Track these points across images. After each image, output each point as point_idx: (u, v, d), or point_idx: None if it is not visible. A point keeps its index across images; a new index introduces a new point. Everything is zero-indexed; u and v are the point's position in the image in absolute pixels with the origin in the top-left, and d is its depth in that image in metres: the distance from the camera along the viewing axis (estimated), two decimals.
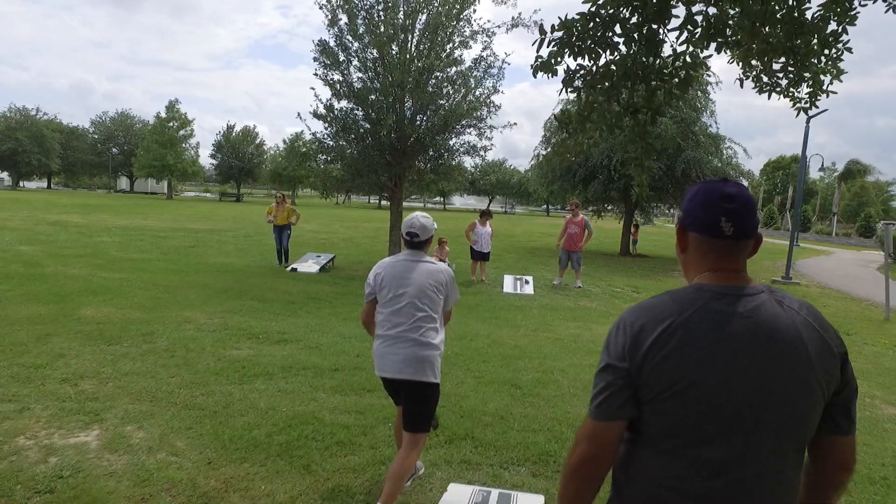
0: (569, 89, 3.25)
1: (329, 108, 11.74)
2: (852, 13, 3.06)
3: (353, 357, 5.55)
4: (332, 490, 3.12)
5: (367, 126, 11.81)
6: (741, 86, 3.51)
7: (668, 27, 3.13)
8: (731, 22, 3.28)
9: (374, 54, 11.55)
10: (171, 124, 54.09)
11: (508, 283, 10.94)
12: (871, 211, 46.83)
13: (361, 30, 11.53)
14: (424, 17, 11.68)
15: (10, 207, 25.52)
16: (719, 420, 1.16)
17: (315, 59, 11.86)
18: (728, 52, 3.28)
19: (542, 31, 3.13)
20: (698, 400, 1.15)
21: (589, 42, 3.04)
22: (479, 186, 70.54)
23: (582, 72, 3.20)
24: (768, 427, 1.16)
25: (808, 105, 3.72)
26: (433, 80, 11.74)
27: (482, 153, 12.72)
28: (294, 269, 11.39)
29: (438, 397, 3.06)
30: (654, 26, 3.05)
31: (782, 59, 3.35)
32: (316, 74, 11.87)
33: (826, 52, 3.32)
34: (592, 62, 3.17)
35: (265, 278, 10.35)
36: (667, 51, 3.31)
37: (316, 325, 6.87)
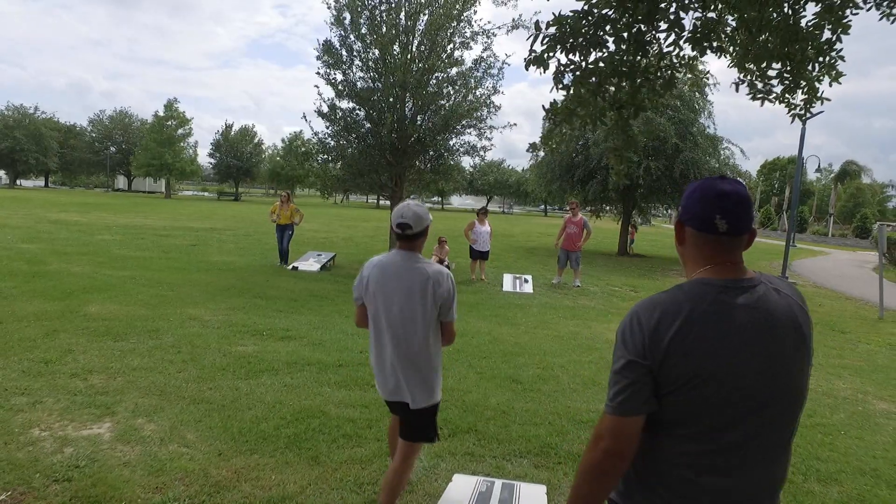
0: (559, 86, 3.36)
1: (332, 107, 11.83)
2: (845, 21, 3.16)
3: (357, 353, 5.64)
4: (341, 480, 3.21)
5: (369, 126, 11.91)
6: (736, 90, 3.62)
7: (660, 28, 3.24)
8: (727, 27, 3.39)
9: (377, 54, 11.65)
10: (170, 123, 54.06)
11: (508, 281, 11.04)
12: (868, 212, 47.06)
13: (364, 29, 11.63)
14: (426, 17, 11.78)
15: (9, 206, 25.55)
16: (734, 407, 1.24)
17: (318, 59, 11.95)
18: (717, 55, 3.39)
19: (537, 27, 3.24)
20: (716, 391, 1.23)
21: (580, 39, 3.15)
22: (478, 186, 70.63)
23: (572, 67, 3.31)
24: (776, 407, 1.28)
25: (803, 111, 3.82)
26: (434, 81, 11.85)
27: (482, 153, 12.85)
28: (295, 268, 11.48)
29: (437, 412, 2.77)
30: (643, 27, 3.16)
31: (778, 66, 3.46)
32: (318, 73, 11.96)
33: (821, 59, 3.42)
34: (582, 58, 3.28)
35: (267, 276, 10.43)
36: (654, 50, 3.43)
37: (319, 322, 6.96)
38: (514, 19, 11.74)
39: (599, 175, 18.30)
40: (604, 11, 3.28)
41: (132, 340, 5.66)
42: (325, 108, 11.81)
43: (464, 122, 12.15)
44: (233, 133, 64.69)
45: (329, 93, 12.13)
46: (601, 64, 3.40)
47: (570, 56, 3.40)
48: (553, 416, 4.35)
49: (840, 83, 3.67)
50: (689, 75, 4.33)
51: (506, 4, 11.64)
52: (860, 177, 51.91)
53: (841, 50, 3.34)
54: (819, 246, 36.17)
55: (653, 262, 18.46)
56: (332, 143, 12.44)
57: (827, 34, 3.27)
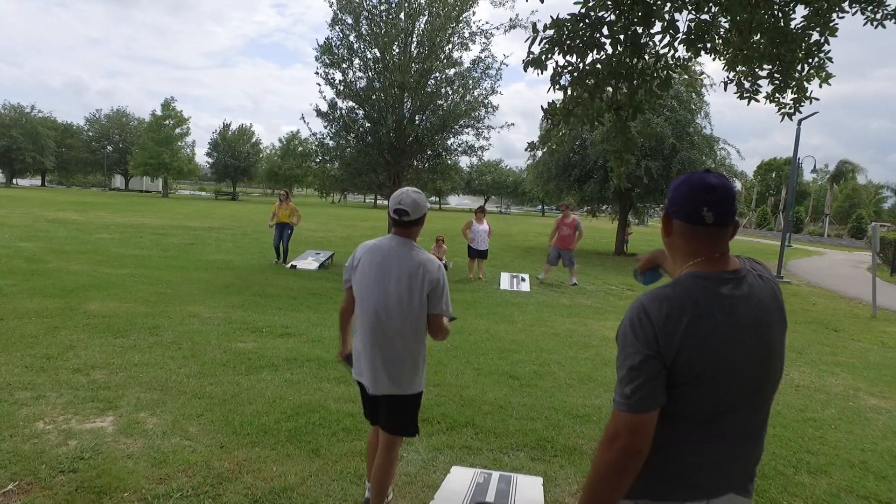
0: (556, 87, 3.43)
1: (332, 106, 11.90)
2: (833, 25, 3.24)
3: None
4: (341, 472, 3.27)
5: (368, 125, 11.97)
6: (725, 89, 3.69)
7: (654, 31, 3.31)
8: (720, 29, 3.46)
9: (376, 54, 11.72)
10: (167, 122, 54.02)
11: (505, 280, 11.11)
12: (863, 213, 47.31)
13: (364, 30, 11.70)
14: (425, 18, 11.85)
15: (6, 205, 25.51)
16: (734, 396, 1.31)
17: (317, 59, 12.01)
18: (711, 56, 3.47)
19: (535, 30, 3.31)
20: (721, 382, 1.28)
21: (577, 41, 3.22)
22: (475, 186, 70.74)
23: (569, 68, 3.38)
24: (769, 386, 1.36)
25: (792, 110, 3.91)
26: (432, 81, 11.92)
27: (480, 153, 12.92)
28: (294, 266, 11.53)
29: (420, 403, 2.73)
30: (639, 30, 3.23)
31: (768, 66, 3.53)
32: (317, 73, 12.01)
33: (810, 60, 3.50)
34: (580, 60, 3.35)
35: (265, 275, 10.48)
36: (650, 53, 3.50)
37: (318, 319, 7.02)
38: (511, 19, 11.83)
39: (596, 175, 18.39)
40: (600, 14, 3.36)
41: (133, 337, 5.71)
42: (324, 108, 11.88)
43: (462, 122, 12.22)
44: (230, 132, 64.66)
45: (328, 92, 12.23)
46: (598, 66, 3.48)
47: (568, 58, 3.47)
48: (550, 410, 4.42)
49: (830, 84, 3.75)
50: (685, 76, 4.41)
51: (503, 5, 11.73)
52: (856, 177, 52.15)
53: (829, 52, 3.42)
54: (815, 246, 36.36)
55: None
56: (331, 142, 12.51)
57: (815, 36, 3.34)
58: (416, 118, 12.19)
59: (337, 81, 11.90)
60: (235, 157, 62.89)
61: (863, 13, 3.28)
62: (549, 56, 3.45)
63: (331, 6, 11.86)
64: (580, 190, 19.22)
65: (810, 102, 3.69)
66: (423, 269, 2.51)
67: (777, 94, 3.70)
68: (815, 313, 10.35)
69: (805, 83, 3.59)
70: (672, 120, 17.42)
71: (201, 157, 66.11)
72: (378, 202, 61.34)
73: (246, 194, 74.21)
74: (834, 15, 3.25)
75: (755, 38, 3.32)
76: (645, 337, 1.27)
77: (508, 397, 4.65)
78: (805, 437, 4.19)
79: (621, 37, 3.38)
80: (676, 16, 3.37)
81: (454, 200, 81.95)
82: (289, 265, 11.65)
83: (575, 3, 3.44)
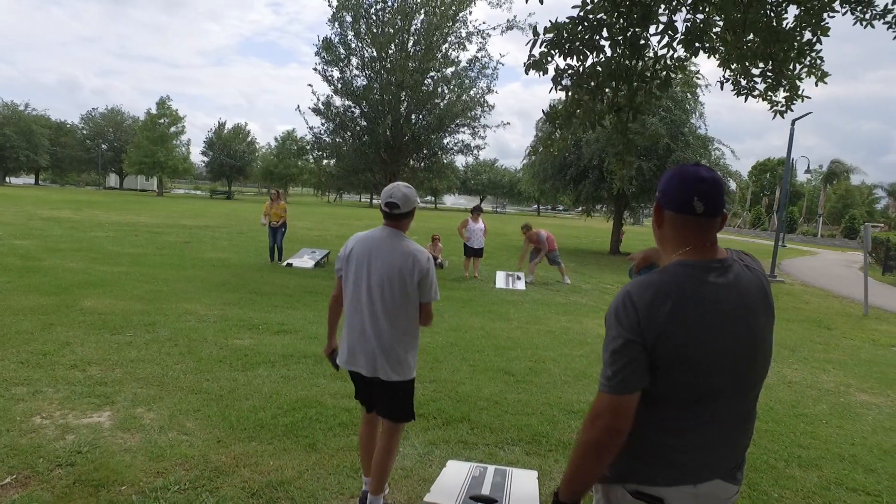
0: (558, 87, 3.46)
1: (328, 104, 11.93)
2: (824, 25, 3.29)
3: None
4: (338, 466, 3.29)
5: (365, 123, 12.00)
6: (721, 88, 3.74)
7: (651, 32, 3.35)
8: (715, 28, 3.50)
9: (374, 53, 11.76)
10: (162, 121, 53.83)
11: (501, 279, 11.15)
12: (856, 213, 47.63)
13: (363, 29, 11.74)
14: (422, 17, 11.89)
15: None
16: (717, 380, 1.34)
17: (317, 55, 12.02)
18: (708, 55, 3.51)
19: (535, 33, 3.34)
20: (704, 367, 1.32)
21: (577, 44, 3.25)
22: (471, 186, 70.81)
23: (570, 71, 3.41)
24: (755, 374, 1.40)
25: (784, 108, 3.95)
26: (429, 80, 11.96)
27: (475, 152, 12.98)
28: (289, 265, 11.54)
29: (413, 389, 2.78)
30: (638, 31, 3.26)
31: (761, 65, 3.58)
32: (316, 70, 12.03)
33: (802, 59, 3.55)
34: (580, 62, 3.38)
35: (261, 273, 10.48)
36: (649, 55, 3.53)
37: (314, 317, 7.03)
38: (508, 20, 11.91)
39: (591, 174, 18.46)
40: (599, 16, 3.38)
41: (129, 334, 5.71)
42: (320, 106, 11.90)
43: (458, 121, 12.27)
44: (226, 131, 64.50)
45: (324, 90, 12.29)
46: (598, 68, 3.50)
47: (568, 60, 3.50)
48: (545, 406, 4.46)
49: (826, 83, 3.79)
50: (683, 76, 4.44)
51: (500, 6, 11.80)
52: (849, 177, 52.50)
53: (821, 51, 3.47)
54: (808, 246, 36.58)
55: None
56: (328, 139, 12.53)
57: (807, 36, 3.39)
58: (413, 117, 12.23)
59: (335, 79, 11.93)
60: (231, 155, 62.74)
61: (852, 13, 3.33)
62: (550, 59, 3.48)
63: (329, 5, 11.89)
64: (575, 189, 19.29)
65: (802, 101, 3.74)
66: (413, 258, 2.59)
67: (769, 93, 3.74)
68: (808, 312, 10.44)
69: (797, 82, 3.64)
70: (667, 120, 17.50)
71: (196, 156, 65.98)
72: (373, 201, 61.30)
73: (241, 193, 74.00)
74: (825, 15, 3.30)
75: (748, 38, 3.36)
76: (628, 322, 1.31)
77: (504, 393, 4.68)
78: (797, 432, 4.24)
79: (620, 38, 3.42)
80: (674, 16, 3.41)
81: (449, 200, 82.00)
82: (284, 263, 11.65)
83: (573, 7, 3.48)
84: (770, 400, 4.91)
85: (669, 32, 3.26)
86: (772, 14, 3.30)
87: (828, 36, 3.35)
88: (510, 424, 4.05)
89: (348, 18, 11.75)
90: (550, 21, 3.31)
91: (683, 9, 3.31)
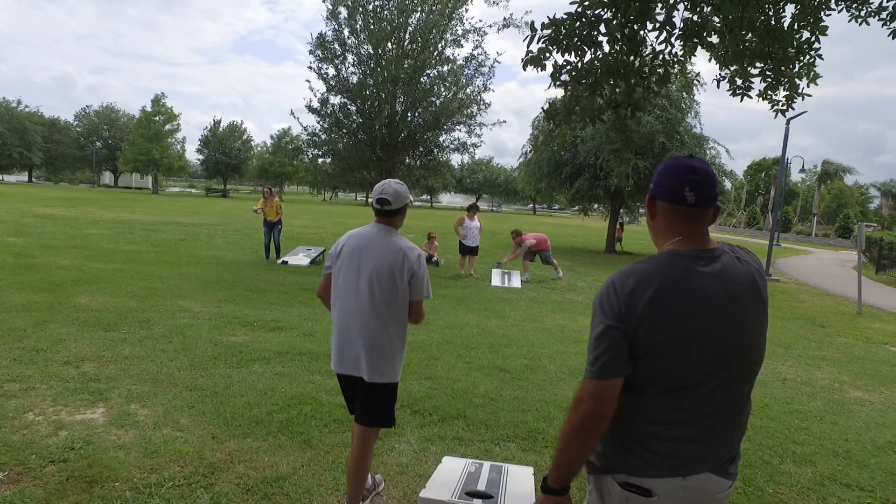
0: (556, 83, 3.45)
1: (323, 102, 11.88)
2: (822, 25, 3.29)
3: None
4: (333, 462, 3.28)
5: (361, 121, 11.97)
6: (717, 86, 3.73)
7: (649, 28, 3.34)
8: (713, 25, 3.50)
9: (370, 50, 11.73)
10: (157, 119, 53.61)
11: (496, 276, 11.15)
12: (850, 212, 47.90)
13: (360, 25, 11.71)
14: (418, 15, 11.87)
15: None
16: (701, 368, 1.35)
17: (311, 52, 11.99)
18: (707, 52, 3.51)
19: (533, 29, 3.33)
20: (685, 353, 1.33)
21: (575, 40, 3.24)
22: (467, 185, 70.81)
23: (568, 67, 3.41)
24: (741, 366, 1.39)
25: (784, 107, 3.95)
26: (425, 78, 11.94)
27: (471, 150, 12.97)
28: (285, 262, 11.51)
29: (395, 396, 2.70)
30: (636, 27, 3.26)
31: (760, 64, 3.58)
32: (310, 68, 12.00)
33: (801, 58, 3.55)
34: (578, 58, 3.37)
35: (257, 270, 10.45)
36: (647, 50, 3.53)
37: (309, 314, 7.01)
38: (504, 18, 11.91)
39: (587, 172, 18.48)
40: (597, 12, 3.38)
41: (123, 330, 5.68)
42: (315, 104, 11.86)
43: (454, 119, 12.25)
44: (221, 129, 64.28)
45: (320, 87, 12.25)
46: (596, 63, 3.50)
47: (566, 56, 3.49)
48: (540, 403, 4.46)
49: (817, 84, 3.80)
50: (681, 77, 4.42)
51: (497, 4, 11.79)
52: (843, 177, 52.77)
53: (819, 49, 3.48)
54: (803, 245, 36.76)
55: (641, 259, 18.68)
56: (324, 137, 12.49)
57: (806, 34, 3.39)
58: (409, 115, 12.20)
59: (330, 76, 11.89)
60: (226, 154, 62.54)
61: (848, 10, 3.33)
62: (548, 55, 3.47)
63: (324, 1, 11.85)
64: (571, 187, 19.31)
65: (802, 99, 3.74)
66: (403, 255, 2.54)
67: (769, 92, 3.74)
68: (803, 310, 10.48)
69: (797, 80, 3.64)
70: (662, 119, 17.54)
71: (192, 154, 65.73)
72: (369, 199, 61.31)
73: (237, 191, 73.73)
74: (822, 14, 3.30)
75: (747, 37, 3.36)
76: (610, 309, 1.34)
77: (499, 390, 4.68)
78: (791, 429, 4.25)
79: (618, 34, 3.41)
80: (671, 13, 3.40)
81: (445, 199, 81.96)
82: (280, 261, 11.62)
83: (571, 3, 3.47)
84: (765, 396, 4.93)
85: (667, 28, 3.26)
86: (770, 13, 3.30)
87: (826, 35, 3.35)
88: (506, 421, 4.05)
89: (344, 13, 11.72)
90: (548, 17, 3.31)
91: (681, 5, 3.31)
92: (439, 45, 11.42)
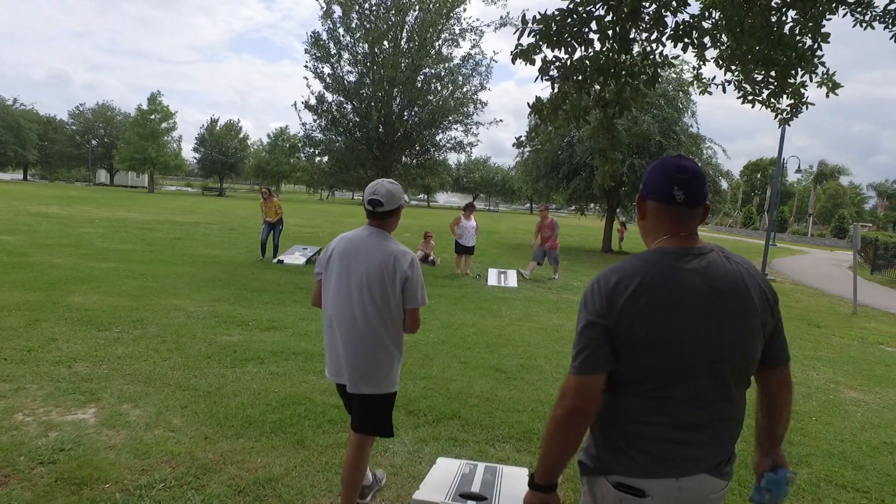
0: (544, 77, 3.43)
1: (320, 100, 11.85)
2: (824, 31, 3.27)
3: None
4: (326, 463, 3.26)
5: (357, 119, 11.94)
6: (724, 90, 3.71)
7: (640, 28, 3.32)
8: (714, 24, 3.48)
9: (366, 49, 11.70)
10: (153, 117, 53.38)
11: (492, 276, 11.14)
12: (845, 213, 48.07)
13: (355, 24, 11.67)
14: (415, 13, 11.83)
15: None
16: (685, 364, 1.34)
17: (306, 52, 11.95)
18: (696, 52, 3.49)
19: (524, 22, 3.31)
20: (667, 349, 1.33)
21: (566, 36, 3.22)
22: (464, 184, 70.79)
23: (557, 63, 3.38)
24: (724, 366, 1.36)
25: (789, 116, 3.90)
26: (421, 77, 11.91)
27: (468, 149, 12.94)
28: (281, 261, 11.47)
29: (392, 404, 2.63)
30: (627, 25, 3.24)
31: (763, 71, 3.55)
32: (306, 66, 11.95)
33: (804, 65, 3.51)
34: (568, 55, 3.35)
35: (252, 269, 10.41)
36: (637, 50, 3.51)
37: (304, 313, 6.98)
38: (501, 17, 11.86)
39: (584, 172, 18.49)
40: (588, 9, 3.36)
41: (116, 330, 5.64)
42: (312, 101, 11.83)
43: (450, 118, 12.23)
44: (218, 128, 64.08)
45: (317, 86, 12.20)
46: (586, 61, 3.48)
47: (556, 52, 3.47)
48: (536, 403, 4.44)
49: (837, 94, 3.69)
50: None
51: (495, 3, 11.76)
52: (838, 177, 52.95)
53: (822, 57, 3.45)
54: (798, 245, 36.87)
55: None
56: (320, 136, 12.46)
57: (808, 41, 3.37)
58: (405, 113, 12.17)
59: (326, 75, 11.85)
60: (223, 152, 62.34)
61: (852, 14, 3.31)
62: (538, 50, 3.45)
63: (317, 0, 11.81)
64: (567, 187, 19.32)
65: (806, 108, 3.69)
66: (395, 260, 2.42)
67: (772, 100, 3.71)
68: (799, 310, 10.50)
69: (801, 89, 3.60)
70: (659, 118, 17.55)
71: (188, 153, 65.50)
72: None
73: (233, 190, 73.51)
74: (823, 20, 3.28)
75: (748, 41, 3.33)
76: (593, 305, 1.36)
77: (495, 390, 4.66)
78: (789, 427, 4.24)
79: (609, 32, 3.39)
80: (663, 12, 3.38)
81: (442, 198, 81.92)
82: (276, 260, 11.58)
83: (563, 0, 3.45)
84: None
85: (659, 28, 3.24)
86: (772, 19, 3.28)
87: (828, 42, 3.32)
88: (501, 421, 4.03)
89: (339, 12, 11.68)
90: (539, 13, 3.28)
91: (674, 2, 3.28)
92: (436, 44, 11.36)
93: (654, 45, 3.54)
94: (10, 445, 3.14)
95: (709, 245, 1.43)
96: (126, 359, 4.78)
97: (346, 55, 12.04)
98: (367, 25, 11.52)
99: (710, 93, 4.36)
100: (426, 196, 73.59)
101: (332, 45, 11.92)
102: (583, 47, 3.44)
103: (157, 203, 32.03)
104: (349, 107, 12.10)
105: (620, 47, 3.44)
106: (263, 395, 4.18)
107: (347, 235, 2.59)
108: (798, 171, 33.29)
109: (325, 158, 13.09)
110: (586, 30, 3.39)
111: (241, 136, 65.18)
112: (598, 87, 3.64)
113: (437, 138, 12.71)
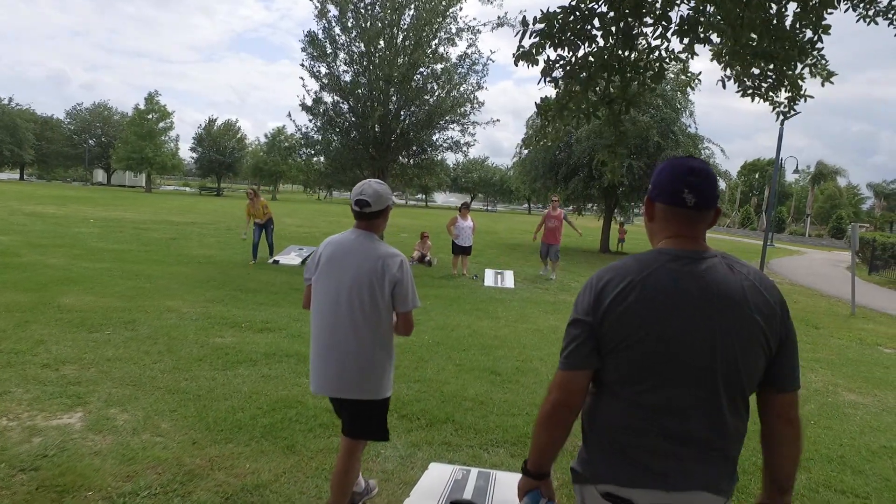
0: (548, 79, 3.37)
1: (317, 100, 11.77)
2: (825, 23, 3.22)
3: None
4: (316, 469, 3.19)
5: (353, 119, 11.87)
6: (724, 86, 3.66)
7: (644, 22, 3.26)
8: (710, 20, 3.42)
9: (362, 48, 11.62)
10: (150, 116, 53.23)
11: (489, 276, 11.08)
12: (843, 213, 48.13)
13: (351, 23, 11.60)
14: (411, 12, 11.77)
15: None
16: (670, 368, 1.28)
17: (303, 50, 11.88)
18: (704, 45, 3.43)
19: (525, 23, 3.25)
20: (652, 349, 1.28)
21: (569, 34, 3.16)
22: (462, 184, 70.74)
23: (561, 62, 3.32)
24: (715, 376, 1.29)
25: (787, 109, 3.86)
26: (418, 76, 11.85)
27: (465, 149, 12.87)
28: (276, 262, 11.39)
29: (387, 409, 2.56)
30: (631, 21, 3.18)
31: (762, 64, 3.50)
32: (303, 65, 11.88)
33: (803, 58, 3.47)
34: (572, 53, 3.29)
35: (247, 270, 10.34)
36: (642, 45, 3.45)
37: (299, 314, 6.91)
38: (499, 17, 11.78)
39: (582, 172, 18.45)
40: (591, 5, 3.30)
41: (107, 332, 5.57)
42: (308, 102, 11.75)
43: (447, 118, 12.16)
44: (215, 128, 63.90)
45: (313, 86, 12.11)
46: (590, 58, 3.42)
47: (559, 51, 3.41)
48: (531, 406, 4.38)
49: (832, 83, 3.69)
50: (682, 76, 4.34)
51: (492, 3, 11.68)
52: (836, 178, 53.00)
53: (822, 49, 3.40)
54: (796, 245, 36.89)
55: None
56: (316, 136, 12.39)
57: (808, 34, 3.32)
58: (402, 113, 12.11)
59: (322, 75, 11.78)
60: (220, 152, 62.15)
61: (855, 10, 3.26)
62: (541, 50, 3.39)
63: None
64: (566, 187, 19.27)
65: (805, 101, 3.65)
66: (383, 264, 2.36)
67: (770, 93, 3.66)
68: (797, 311, 10.44)
69: (799, 81, 3.56)
70: (657, 118, 17.51)
71: (186, 153, 65.33)
72: None
73: (231, 190, 73.35)
74: (824, 13, 3.23)
75: (748, 35, 3.28)
76: (582, 303, 1.37)
77: (490, 393, 4.60)
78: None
79: (613, 28, 3.33)
80: (668, 8, 3.32)
81: (440, 198, 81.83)
82: (271, 260, 11.51)
83: None
84: None
85: (663, 23, 3.18)
86: (772, 11, 3.22)
87: (829, 34, 3.27)
88: (495, 425, 3.97)
89: (335, 11, 11.60)
90: (541, 10, 3.22)
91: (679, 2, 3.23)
92: (433, 43, 11.31)
93: (659, 41, 3.48)
94: None
95: (713, 251, 1.37)
96: (116, 361, 4.71)
97: (342, 54, 11.96)
98: (363, 24, 11.44)
99: (692, 88, 4.34)
100: (424, 196, 73.51)
101: (328, 43, 11.85)
102: (586, 44, 3.38)
103: (153, 203, 31.92)
104: (345, 106, 12.02)
105: (624, 43, 3.38)
106: (254, 399, 4.12)
107: (335, 238, 2.54)
108: (796, 171, 33.33)
109: (322, 158, 13.00)
110: (589, 27, 3.33)
111: (239, 135, 65.01)
112: (602, 83, 3.58)
113: (434, 138, 12.63)
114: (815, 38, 3.45)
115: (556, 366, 4.74)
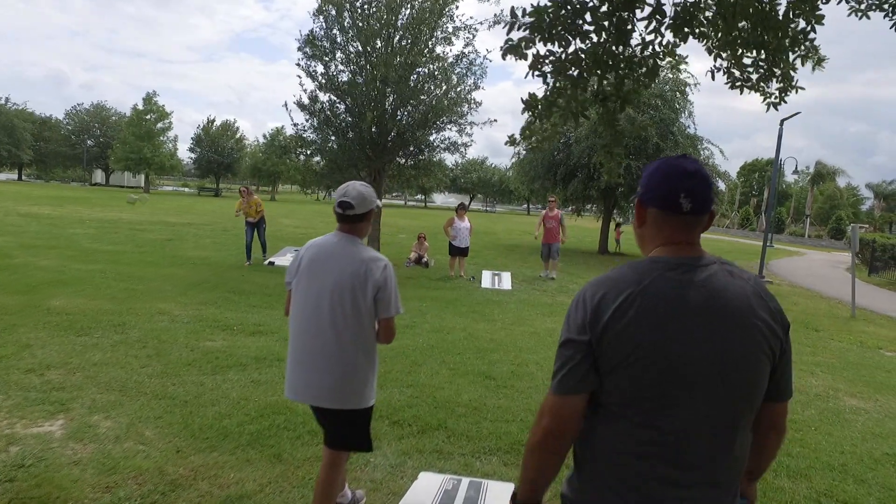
0: (535, 73, 3.28)
1: (313, 99, 11.68)
2: (819, 13, 3.14)
3: None
4: (303, 478, 3.10)
5: (350, 119, 11.78)
6: (713, 78, 3.58)
7: (638, 16, 3.18)
8: (705, 14, 3.34)
9: (359, 48, 11.53)
10: (149, 117, 53.10)
11: (486, 278, 10.99)
12: (843, 214, 48.06)
13: (348, 22, 11.50)
14: (408, 11, 11.68)
15: None
16: (677, 385, 1.18)
17: (300, 49, 11.78)
18: (699, 40, 3.35)
19: (514, 15, 3.16)
20: (657, 366, 1.17)
21: (559, 28, 3.07)
22: (461, 184, 70.63)
23: (551, 58, 3.23)
24: (723, 390, 1.19)
25: (777, 100, 3.80)
26: (415, 76, 11.76)
27: (462, 149, 12.78)
28: (272, 263, 11.30)
29: (370, 418, 2.48)
30: (624, 15, 3.09)
31: (753, 54, 3.43)
32: (299, 65, 11.79)
33: (795, 48, 3.40)
34: (562, 49, 3.20)
35: (242, 271, 10.24)
36: (636, 40, 3.36)
37: None
38: (495, 15, 11.70)
39: (580, 173, 18.36)
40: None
41: (96, 335, 5.47)
42: (305, 100, 11.66)
43: (444, 118, 12.07)
44: (214, 128, 63.78)
45: (310, 85, 12.00)
46: (582, 54, 3.33)
47: (549, 46, 3.32)
48: (525, 412, 4.29)
49: (823, 68, 3.64)
50: (679, 75, 4.26)
51: (489, 1, 11.59)
52: (835, 178, 52.91)
53: (815, 39, 3.33)
54: (795, 246, 36.82)
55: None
56: (313, 136, 12.29)
57: (801, 24, 3.24)
58: (399, 113, 12.01)
59: (319, 74, 11.69)
60: (219, 152, 62.04)
61: (847, 2, 3.19)
62: (531, 44, 3.30)
63: None
64: (564, 189, 19.19)
65: (796, 92, 3.59)
66: (366, 268, 2.29)
67: (762, 84, 3.59)
68: (796, 313, 10.35)
69: (791, 72, 3.49)
70: (656, 119, 17.42)
71: (184, 153, 65.22)
72: None
73: (229, 190, 73.22)
74: (818, 3, 3.15)
75: (740, 24, 3.20)
76: (575, 320, 1.24)
77: (484, 399, 4.51)
78: (785, 440, 4.09)
79: (606, 23, 3.24)
80: (661, 0, 3.24)
81: (439, 198, 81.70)
82: (266, 262, 11.40)
83: None
84: None
85: (657, 17, 3.09)
86: (765, 0, 3.15)
87: (822, 24, 3.20)
88: (488, 432, 3.88)
89: (332, 12, 11.51)
90: (532, 4, 3.13)
91: None
92: (430, 43, 11.21)
93: (653, 35, 3.40)
94: None
95: (710, 256, 1.27)
96: (102, 366, 4.61)
97: (339, 54, 11.87)
98: (360, 24, 11.35)
99: (679, 70, 4.26)
100: (423, 197, 73.39)
101: (326, 43, 11.76)
102: (578, 40, 3.29)
103: (151, 203, 31.80)
104: (342, 106, 11.92)
105: (618, 38, 3.29)
106: (243, 405, 4.03)
107: (317, 241, 2.46)
108: (795, 171, 33.25)
109: (318, 159, 12.90)
110: (580, 21, 3.24)
111: (238, 136, 64.88)
112: (595, 80, 3.50)
113: (431, 139, 12.53)
114: (808, 28, 3.37)
115: (552, 370, 4.60)
